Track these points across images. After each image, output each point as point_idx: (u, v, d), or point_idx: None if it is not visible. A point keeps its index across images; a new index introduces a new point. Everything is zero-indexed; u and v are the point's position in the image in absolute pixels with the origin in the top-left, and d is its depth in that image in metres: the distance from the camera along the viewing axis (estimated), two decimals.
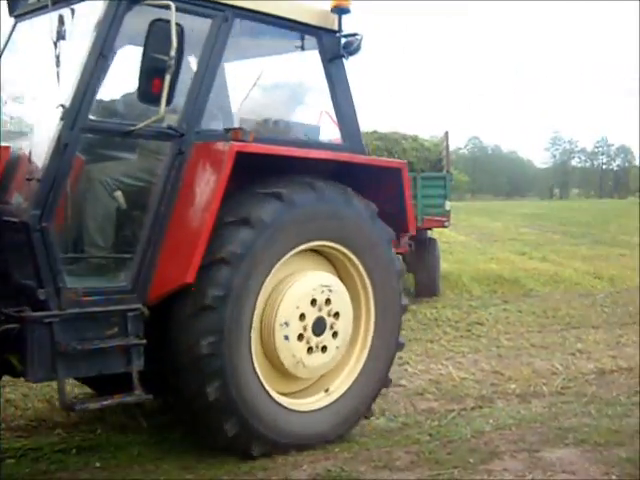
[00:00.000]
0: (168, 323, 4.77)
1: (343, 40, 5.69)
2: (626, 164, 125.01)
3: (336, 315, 5.26)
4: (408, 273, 13.61)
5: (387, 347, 5.67)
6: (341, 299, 5.31)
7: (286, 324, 5.03)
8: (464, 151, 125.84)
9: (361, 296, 5.55)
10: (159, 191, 4.77)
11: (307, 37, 5.59)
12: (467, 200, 75.44)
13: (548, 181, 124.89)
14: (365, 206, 5.44)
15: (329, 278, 5.35)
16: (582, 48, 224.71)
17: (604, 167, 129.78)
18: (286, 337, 5.04)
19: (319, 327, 5.17)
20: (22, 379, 4.90)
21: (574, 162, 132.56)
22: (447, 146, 13.85)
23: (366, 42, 5.70)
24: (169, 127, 4.76)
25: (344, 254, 5.40)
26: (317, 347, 5.18)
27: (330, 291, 5.22)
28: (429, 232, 13.89)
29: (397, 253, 13.39)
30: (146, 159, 5.01)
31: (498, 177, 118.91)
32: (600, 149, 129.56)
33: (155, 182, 4.84)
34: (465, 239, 26.47)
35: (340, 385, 5.48)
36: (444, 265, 17.57)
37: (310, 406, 5.35)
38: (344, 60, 5.73)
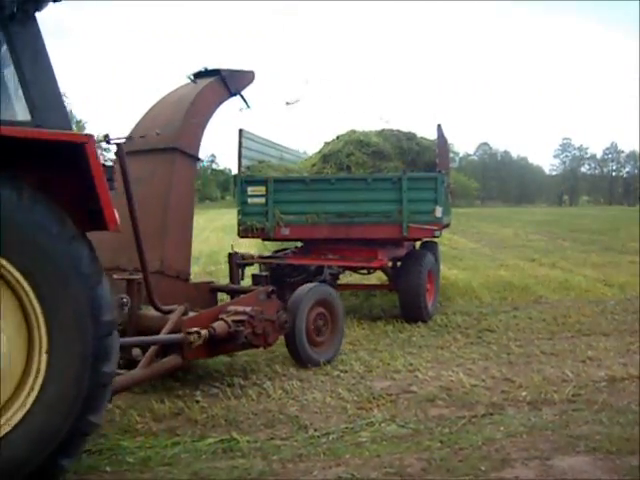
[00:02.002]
0: None
1: None
2: (636, 171, 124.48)
3: None
4: (394, 292, 12.10)
5: (75, 371, 4.27)
6: None
7: None
8: (474, 157, 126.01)
9: (28, 309, 4.18)
10: None
11: None
12: (477, 207, 75.31)
13: (557, 188, 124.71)
14: None
15: None
16: (592, 53, 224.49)
17: (614, 174, 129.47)
18: None
19: None
20: None
21: (584, 169, 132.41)
22: (441, 139, 11.79)
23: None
24: None
25: None
26: None
27: None
28: (435, 244, 13.10)
29: (374, 268, 12.61)
30: None
31: (507, 184, 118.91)
32: (610, 156, 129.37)
33: None
34: (475, 246, 26.44)
35: (12, 417, 4.15)
36: (454, 271, 17.61)
37: None
38: (34, 18, 4.48)
